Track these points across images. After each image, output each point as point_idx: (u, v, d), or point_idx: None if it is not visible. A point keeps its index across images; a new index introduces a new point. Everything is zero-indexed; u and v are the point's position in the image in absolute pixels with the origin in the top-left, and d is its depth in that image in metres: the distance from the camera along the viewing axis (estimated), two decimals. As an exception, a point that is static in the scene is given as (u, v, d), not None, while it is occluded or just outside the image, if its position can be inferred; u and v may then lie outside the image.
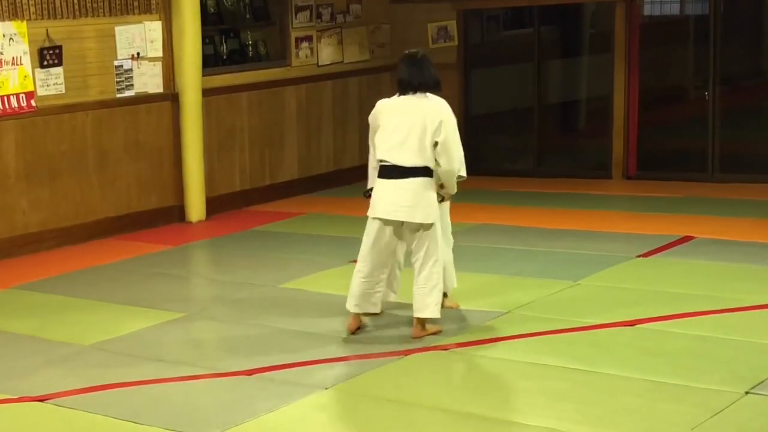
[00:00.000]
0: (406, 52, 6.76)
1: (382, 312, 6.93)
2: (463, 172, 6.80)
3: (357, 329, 6.78)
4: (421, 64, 6.59)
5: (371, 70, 12.44)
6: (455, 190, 6.74)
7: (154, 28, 10.17)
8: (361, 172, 12.56)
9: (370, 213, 6.64)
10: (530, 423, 5.27)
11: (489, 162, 12.72)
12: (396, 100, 6.62)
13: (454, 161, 6.53)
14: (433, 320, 6.66)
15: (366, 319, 6.89)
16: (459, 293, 7.52)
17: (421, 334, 6.62)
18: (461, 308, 7.17)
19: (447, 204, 6.90)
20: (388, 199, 6.51)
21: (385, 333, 6.78)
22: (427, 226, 6.51)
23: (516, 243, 9.02)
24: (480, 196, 11.21)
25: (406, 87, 6.58)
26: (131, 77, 10.06)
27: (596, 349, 6.33)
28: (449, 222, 7.03)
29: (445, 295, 6.92)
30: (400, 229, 6.59)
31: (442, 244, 6.67)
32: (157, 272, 8.64)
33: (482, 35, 13.07)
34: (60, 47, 9.45)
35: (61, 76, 9.50)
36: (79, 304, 7.78)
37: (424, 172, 6.47)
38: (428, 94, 6.57)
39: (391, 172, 6.52)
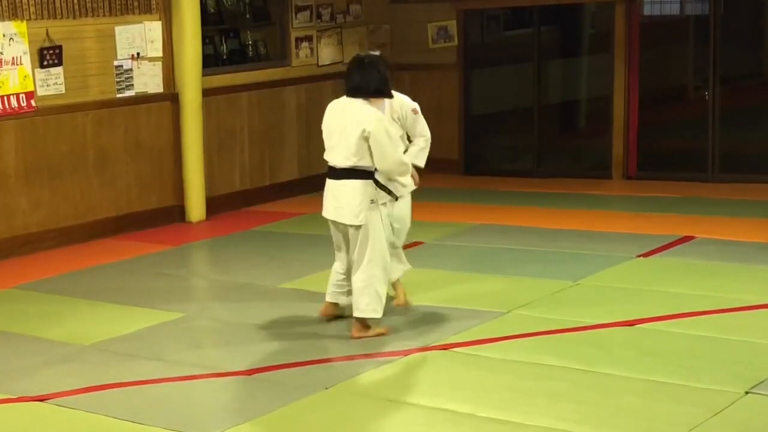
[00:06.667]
0: (357, 54, 6.93)
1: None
2: (406, 179, 6.79)
3: (330, 316, 6.98)
4: (365, 69, 6.65)
5: (371, 70, 12.42)
6: (399, 191, 6.83)
7: (154, 28, 10.17)
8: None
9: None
10: (530, 423, 5.27)
11: (489, 162, 12.73)
12: (340, 101, 6.73)
13: (386, 162, 6.53)
14: (375, 321, 6.65)
15: (341, 310, 6.99)
16: (460, 293, 7.52)
17: (358, 334, 6.63)
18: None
19: (403, 202, 7.00)
20: (327, 199, 6.73)
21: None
22: (356, 227, 6.58)
23: (516, 243, 9.02)
24: (480, 196, 11.21)
25: (347, 91, 6.67)
26: (131, 77, 10.06)
27: (596, 349, 6.33)
28: (406, 219, 7.14)
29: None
30: (341, 227, 6.72)
31: (383, 243, 6.66)
32: (157, 272, 8.64)
33: (482, 35, 13.07)
34: (60, 47, 9.45)
35: (61, 76, 9.49)
36: (79, 304, 7.78)
37: (357, 174, 6.56)
38: (369, 99, 6.61)
39: (330, 172, 6.72)
